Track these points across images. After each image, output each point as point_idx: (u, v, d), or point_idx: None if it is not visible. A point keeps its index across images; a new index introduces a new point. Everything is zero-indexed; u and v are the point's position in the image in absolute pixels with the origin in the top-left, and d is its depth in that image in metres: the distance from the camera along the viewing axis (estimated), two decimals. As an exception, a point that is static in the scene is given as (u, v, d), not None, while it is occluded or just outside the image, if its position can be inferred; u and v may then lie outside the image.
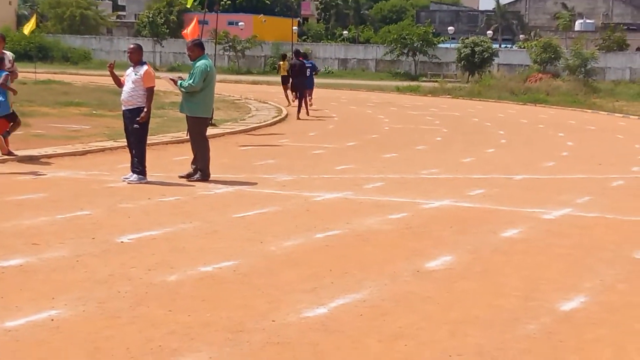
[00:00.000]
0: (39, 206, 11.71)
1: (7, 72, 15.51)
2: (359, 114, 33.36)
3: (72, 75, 56.28)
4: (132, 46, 14.52)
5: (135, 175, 14.03)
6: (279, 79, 38.95)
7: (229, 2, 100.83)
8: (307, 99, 31.09)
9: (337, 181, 15.21)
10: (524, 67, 67.03)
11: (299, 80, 30.68)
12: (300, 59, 32.11)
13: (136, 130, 14.12)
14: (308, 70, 31.57)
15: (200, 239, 10.04)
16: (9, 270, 8.25)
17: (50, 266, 8.49)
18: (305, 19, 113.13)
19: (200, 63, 14.56)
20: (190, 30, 24.29)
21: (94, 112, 27.30)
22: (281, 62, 38.22)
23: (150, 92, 14.13)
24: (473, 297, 8.02)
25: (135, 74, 14.18)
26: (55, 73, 55.42)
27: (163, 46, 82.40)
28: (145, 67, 14.20)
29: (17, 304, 7.19)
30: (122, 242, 9.66)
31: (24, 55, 63.00)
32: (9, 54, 16.25)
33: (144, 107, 14.03)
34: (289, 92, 33.67)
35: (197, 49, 14.86)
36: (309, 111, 30.98)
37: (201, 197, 13.06)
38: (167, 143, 19.75)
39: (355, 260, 9.23)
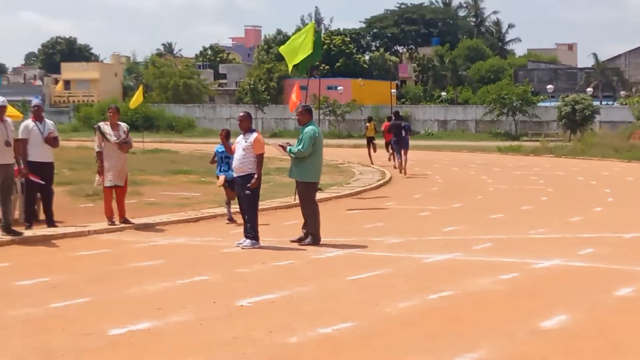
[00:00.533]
0: (160, 272, 12.16)
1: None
2: (462, 175, 33.45)
3: (177, 143, 57.69)
4: (241, 114, 15.01)
5: (248, 241, 14.40)
6: (380, 142, 39.55)
7: (327, 67, 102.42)
8: (404, 159, 32.85)
9: (446, 242, 15.37)
10: (626, 124, 66.09)
11: (397, 140, 33.22)
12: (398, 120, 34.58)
13: (247, 196, 14.52)
14: (403, 130, 33.27)
15: (316, 301, 10.31)
16: (137, 335, 8.62)
17: (176, 330, 8.84)
18: (403, 82, 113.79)
19: (309, 129, 14.95)
20: (292, 103, 24.92)
21: (202, 179, 27.96)
22: (368, 124, 39.98)
23: (260, 158, 14.54)
24: (590, 356, 8.09)
25: (246, 141, 14.63)
26: (161, 142, 56.94)
27: (264, 112, 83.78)
28: (254, 135, 14.64)
29: (149, 366, 7.54)
30: (242, 305, 9.98)
31: (131, 125, 64.50)
32: (123, 125, 16.92)
33: (254, 174, 14.44)
34: (372, 151, 38.01)
35: (306, 114, 15.28)
36: (406, 170, 32.60)
37: (314, 260, 13.36)
38: (276, 208, 20.18)
39: (470, 320, 9.37)
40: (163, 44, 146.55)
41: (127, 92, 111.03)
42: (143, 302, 10.13)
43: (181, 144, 57.69)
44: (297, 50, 21.36)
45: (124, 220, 16.65)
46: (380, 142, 39.57)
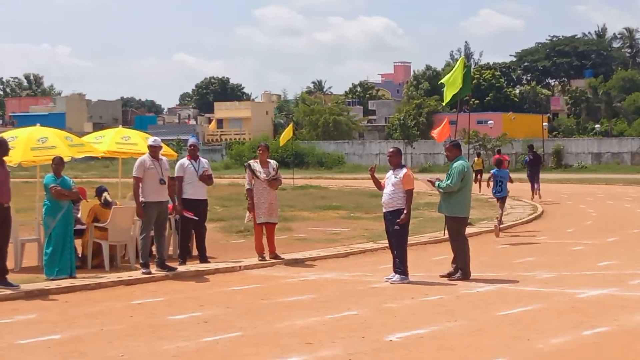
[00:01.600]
0: (309, 307, 12.23)
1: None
2: (617, 208, 32.51)
3: (327, 179, 58.11)
4: (391, 150, 15.04)
5: (397, 276, 14.36)
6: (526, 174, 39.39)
7: (477, 101, 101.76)
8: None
9: (601, 277, 14.95)
10: None
11: (533, 171, 36.45)
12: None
13: (397, 231, 14.48)
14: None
15: (466, 337, 10.16)
16: (287, 368, 8.69)
17: (325, 364, 8.86)
18: (555, 115, 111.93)
19: (458, 164, 14.84)
20: (439, 132, 24.82)
21: (352, 214, 28.11)
22: (475, 159, 42.38)
23: (409, 194, 14.50)
24: None
25: (395, 177, 14.62)
26: (311, 178, 57.53)
27: (414, 148, 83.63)
28: (404, 170, 14.63)
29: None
30: (391, 340, 9.93)
31: (281, 162, 65.64)
32: (272, 163, 17.16)
33: (403, 209, 14.40)
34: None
35: (454, 149, 15.19)
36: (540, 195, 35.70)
37: (464, 295, 13.18)
38: (425, 243, 20.05)
39: (627, 357, 9.06)
40: (313, 82, 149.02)
41: (278, 129, 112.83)
42: (293, 336, 10.20)
43: (330, 179, 58.12)
44: (450, 85, 21.55)
45: (274, 256, 16.84)
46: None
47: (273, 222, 16.88)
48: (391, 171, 14.82)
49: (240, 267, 16.08)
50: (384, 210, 14.79)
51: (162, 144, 15.91)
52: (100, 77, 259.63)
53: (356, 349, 9.47)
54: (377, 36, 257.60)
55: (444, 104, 22.59)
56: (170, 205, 15.97)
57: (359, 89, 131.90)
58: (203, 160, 16.96)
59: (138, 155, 19.06)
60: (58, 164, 15.00)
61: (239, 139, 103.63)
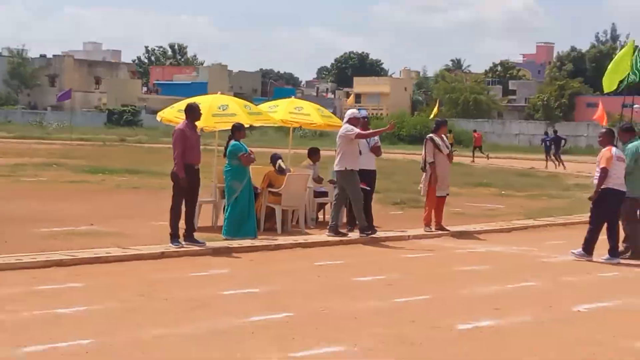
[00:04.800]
0: (487, 276, 12.63)
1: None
2: None
3: (465, 157, 57.98)
4: (604, 130, 15.10)
5: (579, 250, 14.50)
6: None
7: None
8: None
9: None
10: None
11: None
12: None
13: (591, 209, 14.60)
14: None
15: (651, 312, 10.43)
16: (485, 330, 9.09)
17: (519, 329, 9.25)
18: None
19: (632, 145, 14.89)
20: (599, 115, 24.64)
21: (503, 192, 28.22)
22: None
23: (602, 172, 14.34)
24: None
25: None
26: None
27: (556, 130, 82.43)
28: (604, 150, 14.49)
29: None
30: (578, 311, 10.24)
31: (420, 139, 65.75)
32: (445, 139, 17.58)
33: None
34: None
35: (624, 134, 15.21)
36: None
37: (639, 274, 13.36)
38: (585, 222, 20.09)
39: None
40: (452, 60, 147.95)
41: (416, 106, 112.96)
42: (480, 302, 10.59)
43: (469, 157, 57.98)
44: (613, 70, 20.77)
45: (440, 227, 17.24)
46: None
47: (447, 194, 17.35)
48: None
49: (408, 236, 16.53)
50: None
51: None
52: (238, 49, 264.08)
53: (546, 317, 9.81)
54: (516, 15, 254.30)
55: (606, 91, 21.88)
56: None
57: (499, 68, 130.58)
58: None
59: (311, 126, 19.75)
60: (240, 129, 15.69)
61: (377, 114, 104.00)
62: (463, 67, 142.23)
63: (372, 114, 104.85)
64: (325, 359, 7.81)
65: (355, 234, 16.08)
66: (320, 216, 18.53)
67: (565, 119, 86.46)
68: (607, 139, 14.80)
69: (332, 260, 13.59)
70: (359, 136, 15.97)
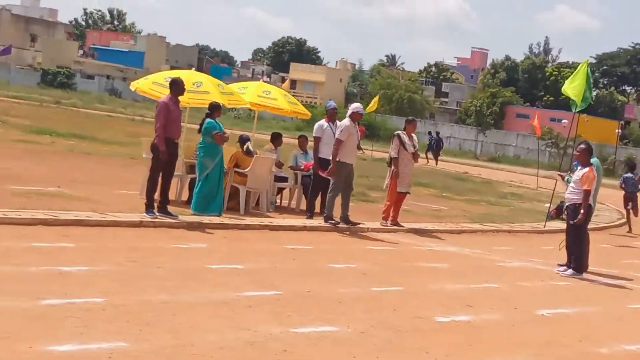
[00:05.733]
0: (449, 275, 13.35)
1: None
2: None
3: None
4: (582, 146, 15.15)
5: (570, 271, 14.85)
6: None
7: (552, 98, 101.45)
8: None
9: None
10: None
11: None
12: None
13: (574, 227, 14.87)
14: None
15: (609, 322, 11.22)
16: (461, 325, 9.74)
17: (492, 326, 9.93)
18: (628, 122, 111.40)
19: (594, 161, 15.55)
20: (536, 126, 25.27)
21: (443, 194, 29.02)
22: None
23: (585, 194, 14.59)
24: None
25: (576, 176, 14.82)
26: (385, 152, 58.12)
27: (486, 136, 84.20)
28: (586, 170, 14.73)
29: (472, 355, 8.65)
30: (542, 314, 10.97)
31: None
32: (414, 137, 18.16)
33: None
34: None
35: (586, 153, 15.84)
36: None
37: (589, 285, 14.18)
38: (529, 232, 21.01)
39: None
40: (386, 55, 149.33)
41: (350, 98, 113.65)
42: (450, 298, 11.25)
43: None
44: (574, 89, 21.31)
45: (395, 223, 17.89)
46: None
47: (408, 192, 17.98)
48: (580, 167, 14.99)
49: (367, 228, 17.14)
50: (567, 203, 15.08)
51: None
52: (176, 21, 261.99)
53: (514, 318, 10.51)
54: (449, 16, 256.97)
55: (574, 110, 21.97)
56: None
57: (433, 69, 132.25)
58: (339, 123, 17.94)
59: (277, 111, 20.18)
60: (218, 108, 16.15)
61: (310, 102, 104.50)
62: (397, 64, 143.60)
63: (307, 102, 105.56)
64: (324, 337, 8.35)
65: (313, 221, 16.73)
66: (278, 200, 19.07)
67: (495, 127, 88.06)
68: (587, 156, 14.97)
69: (302, 245, 14.17)
70: (336, 141, 16.55)
